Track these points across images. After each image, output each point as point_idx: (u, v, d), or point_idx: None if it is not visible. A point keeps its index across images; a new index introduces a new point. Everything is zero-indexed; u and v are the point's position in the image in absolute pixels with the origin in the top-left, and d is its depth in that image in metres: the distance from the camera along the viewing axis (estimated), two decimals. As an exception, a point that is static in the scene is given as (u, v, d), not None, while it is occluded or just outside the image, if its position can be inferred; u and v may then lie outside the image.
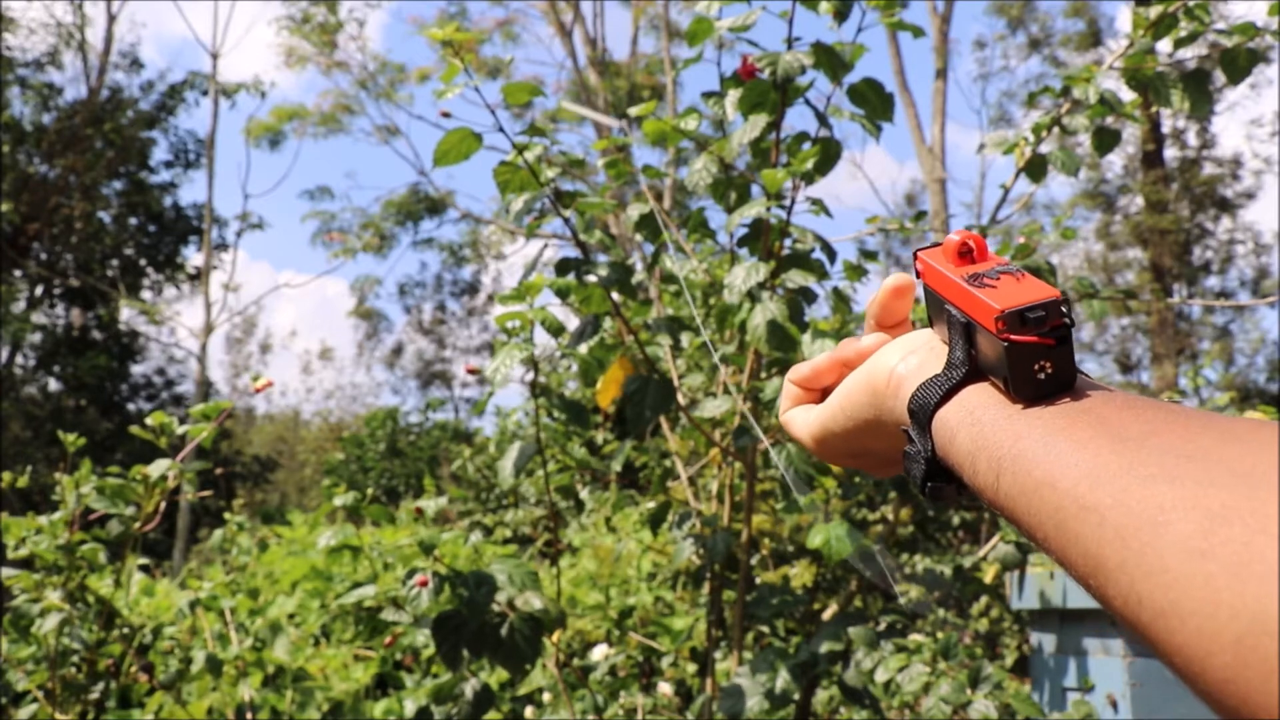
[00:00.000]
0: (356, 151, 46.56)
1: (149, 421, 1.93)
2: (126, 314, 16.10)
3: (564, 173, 1.78)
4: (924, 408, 0.45)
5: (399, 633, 2.54)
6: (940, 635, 2.00)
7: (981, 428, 0.42)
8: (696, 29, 1.91)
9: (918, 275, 0.50)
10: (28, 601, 1.91)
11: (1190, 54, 2.04)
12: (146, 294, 16.64)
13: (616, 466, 2.12)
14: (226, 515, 2.64)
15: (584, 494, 5.15)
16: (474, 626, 1.66)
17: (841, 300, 2.12)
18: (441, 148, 1.74)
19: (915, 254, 0.50)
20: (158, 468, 1.88)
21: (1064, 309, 0.42)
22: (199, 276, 16.09)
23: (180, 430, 1.94)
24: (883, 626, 2.06)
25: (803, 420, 0.57)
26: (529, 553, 5.33)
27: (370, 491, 1.94)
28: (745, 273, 1.78)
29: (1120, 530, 0.32)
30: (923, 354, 0.48)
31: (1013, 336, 0.42)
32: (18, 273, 15.00)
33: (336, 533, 1.91)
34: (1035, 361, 0.41)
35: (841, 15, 1.85)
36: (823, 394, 0.58)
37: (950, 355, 0.46)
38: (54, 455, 12.72)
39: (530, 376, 1.87)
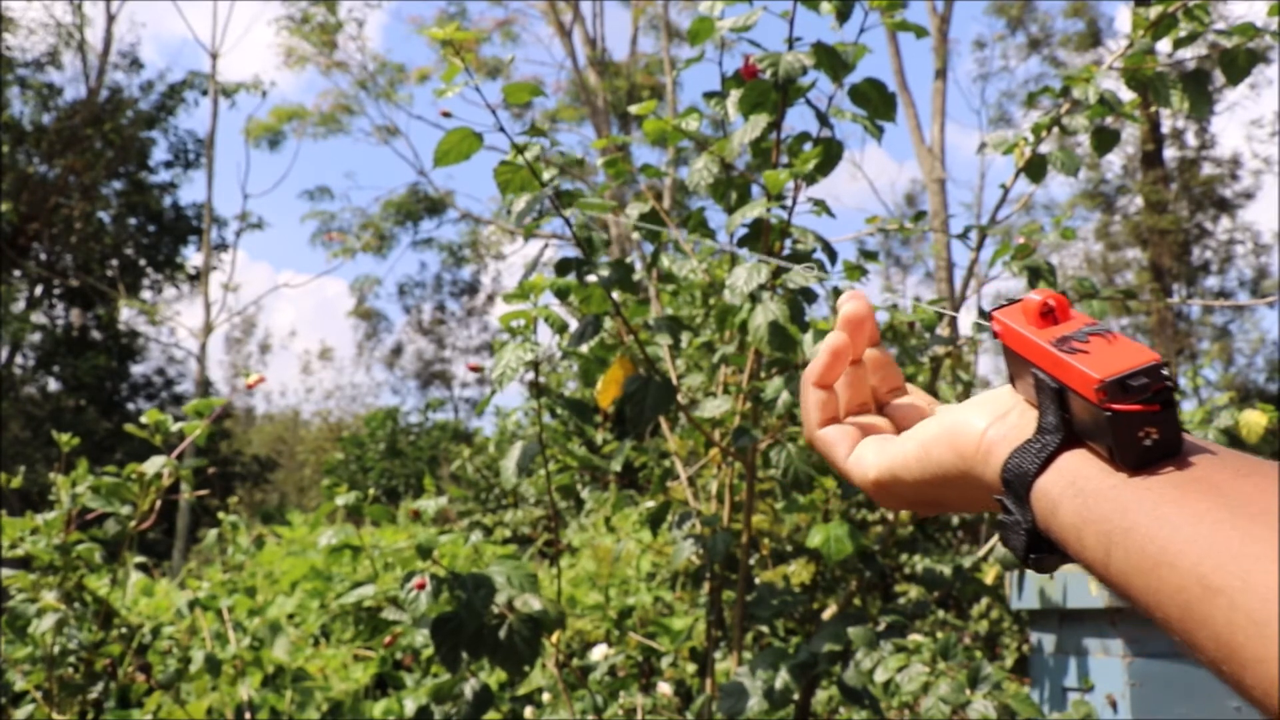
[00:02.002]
0: (356, 151, 46.60)
1: (144, 419, 1.92)
2: (126, 314, 16.10)
3: (562, 172, 1.78)
4: (1021, 477, 0.43)
5: (398, 633, 2.54)
6: (940, 635, 2.00)
7: (1085, 499, 0.40)
8: (698, 29, 1.91)
9: (994, 335, 0.49)
10: (24, 602, 1.91)
11: (1190, 54, 2.04)
12: (146, 294, 16.64)
13: (616, 466, 2.12)
14: (221, 515, 2.64)
15: (584, 494, 5.15)
16: (472, 628, 1.65)
17: (841, 300, 2.12)
18: (442, 148, 1.74)
19: (990, 314, 0.49)
20: (152, 465, 1.88)
21: (1165, 372, 0.41)
22: (199, 276, 16.08)
23: (175, 428, 1.94)
24: (882, 626, 2.06)
25: (854, 458, 0.54)
26: (529, 553, 5.33)
27: (371, 492, 1.94)
28: (747, 273, 1.78)
29: (1256, 618, 0.31)
30: (1012, 418, 0.47)
31: (1116, 406, 0.40)
32: (17, 273, 15.00)
33: (337, 532, 1.91)
34: (1140, 429, 0.40)
35: (844, 16, 1.85)
36: (835, 392, 0.56)
37: (1041, 420, 0.44)
38: (53, 455, 12.70)
39: (530, 376, 1.86)
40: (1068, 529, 0.41)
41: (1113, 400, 0.40)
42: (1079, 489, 0.41)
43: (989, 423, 0.47)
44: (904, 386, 0.57)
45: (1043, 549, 0.43)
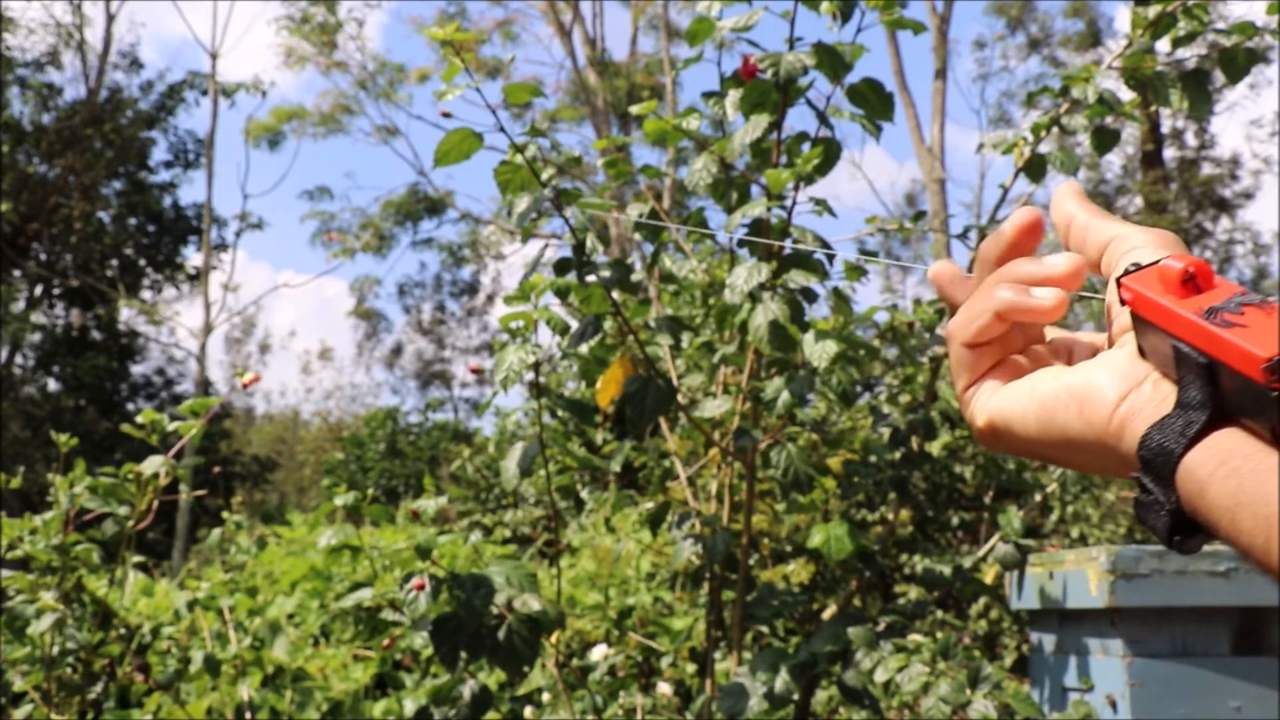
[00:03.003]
0: (356, 151, 46.58)
1: (140, 419, 1.93)
2: (126, 314, 16.10)
3: (561, 172, 1.78)
4: (1165, 456, 0.41)
5: (398, 633, 2.54)
6: (939, 635, 2.00)
7: (1241, 480, 0.38)
8: (697, 29, 1.91)
9: (1122, 303, 0.45)
10: (23, 603, 1.91)
11: (1189, 54, 2.04)
12: (146, 294, 16.63)
13: (616, 467, 2.12)
14: (225, 514, 2.64)
15: (584, 494, 5.15)
16: (472, 629, 1.65)
17: (841, 300, 2.12)
18: (442, 148, 1.74)
19: (1119, 282, 0.45)
20: (150, 465, 1.88)
21: None
22: (198, 276, 16.08)
23: (171, 427, 1.94)
24: (882, 626, 2.06)
25: (970, 393, 0.51)
26: (529, 553, 5.33)
27: (370, 492, 1.94)
28: (747, 273, 1.78)
29: None
30: (1147, 390, 0.44)
31: None
32: (17, 273, 15.00)
33: (336, 532, 1.91)
34: None
35: (844, 15, 1.85)
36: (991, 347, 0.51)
37: (1183, 395, 0.42)
38: (53, 455, 12.66)
39: (531, 377, 1.86)
40: (1219, 511, 0.39)
41: None
42: (1233, 469, 0.39)
43: (1122, 393, 0.45)
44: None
45: (1187, 530, 0.42)
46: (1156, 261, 0.45)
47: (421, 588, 1.64)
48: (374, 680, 3.40)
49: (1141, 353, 0.46)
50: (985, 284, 0.51)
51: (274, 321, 54.94)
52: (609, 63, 16.73)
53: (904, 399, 2.51)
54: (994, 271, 0.51)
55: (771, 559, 3.32)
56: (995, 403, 0.50)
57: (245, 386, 2.05)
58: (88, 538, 1.99)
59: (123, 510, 1.90)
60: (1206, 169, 16.88)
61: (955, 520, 4.12)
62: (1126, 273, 0.46)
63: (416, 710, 1.78)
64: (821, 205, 1.90)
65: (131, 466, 1.91)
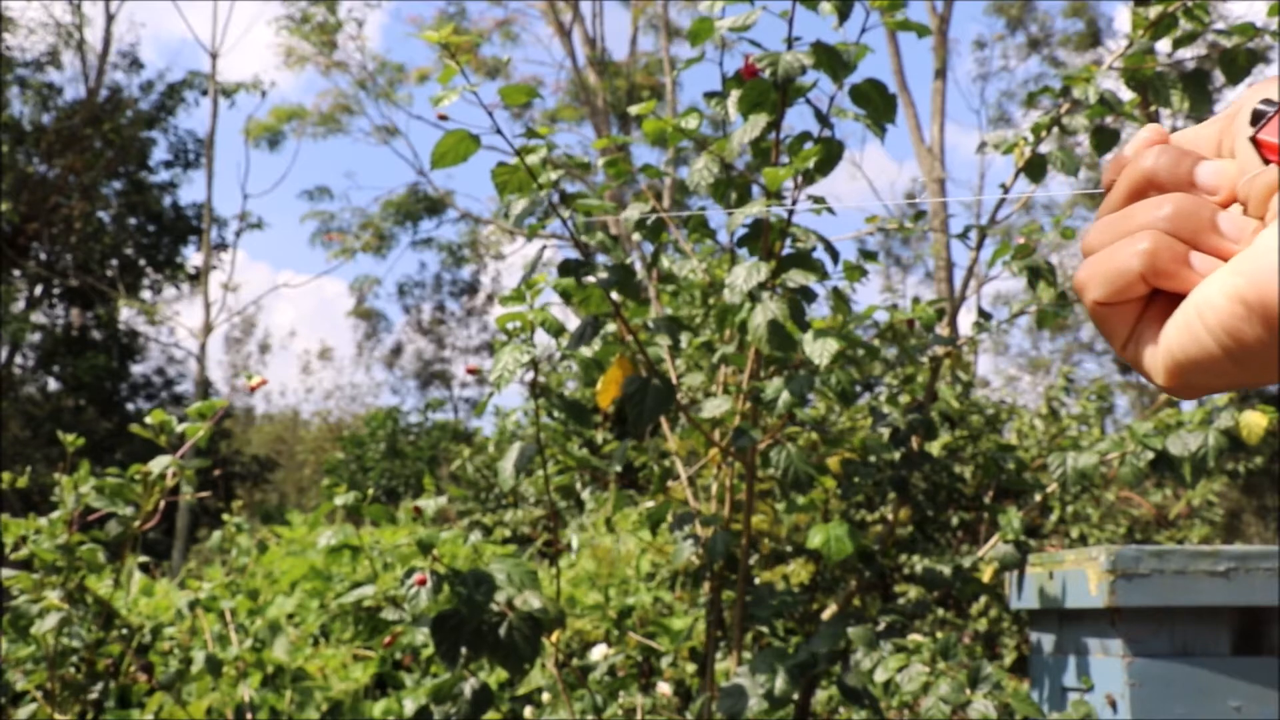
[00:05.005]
0: (356, 151, 46.55)
1: (148, 420, 1.93)
2: (126, 314, 16.11)
3: (565, 174, 1.78)
4: None
5: (398, 632, 2.54)
6: (939, 635, 2.00)
7: None
8: (698, 29, 1.91)
9: (1265, 162, 0.38)
10: (27, 602, 1.91)
11: (1189, 54, 2.04)
12: (146, 294, 16.64)
13: (616, 467, 2.12)
14: (225, 516, 2.64)
15: (584, 494, 5.15)
16: (473, 626, 1.66)
17: (841, 300, 2.12)
18: (439, 150, 1.74)
19: (1256, 141, 0.38)
20: (157, 465, 1.88)
21: None
22: (198, 276, 16.09)
23: (179, 428, 1.95)
24: (882, 626, 2.06)
25: (1135, 342, 0.43)
26: (528, 553, 5.34)
27: (370, 492, 1.94)
28: (746, 273, 1.78)
29: None
30: None
31: None
32: (17, 273, 15.00)
33: (336, 532, 1.91)
34: None
35: (844, 15, 1.85)
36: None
37: None
38: (54, 455, 12.70)
39: (530, 377, 1.87)
40: None
41: None
42: None
43: None
44: None
45: None
46: None
47: (423, 583, 1.65)
48: (374, 680, 3.41)
49: None
50: (1132, 216, 0.42)
51: (274, 321, 54.85)
52: (609, 63, 16.73)
53: (904, 399, 2.51)
54: (1145, 194, 0.42)
55: (771, 559, 3.32)
56: (1166, 348, 0.41)
57: (252, 390, 2.06)
58: (92, 538, 1.99)
59: (128, 510, 1.91)
60: (1206, 169, 16.87)
61: (955, 520, 4.13)
62: (1257, 121, 0.38)
63: (416, 710, 1.78)
64: (819, 203, 1.90)
65: (139, 467, 1.92)
